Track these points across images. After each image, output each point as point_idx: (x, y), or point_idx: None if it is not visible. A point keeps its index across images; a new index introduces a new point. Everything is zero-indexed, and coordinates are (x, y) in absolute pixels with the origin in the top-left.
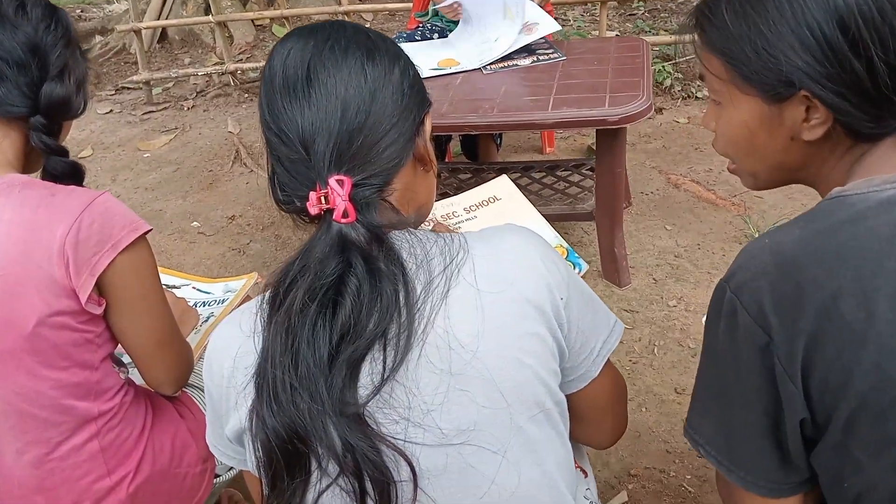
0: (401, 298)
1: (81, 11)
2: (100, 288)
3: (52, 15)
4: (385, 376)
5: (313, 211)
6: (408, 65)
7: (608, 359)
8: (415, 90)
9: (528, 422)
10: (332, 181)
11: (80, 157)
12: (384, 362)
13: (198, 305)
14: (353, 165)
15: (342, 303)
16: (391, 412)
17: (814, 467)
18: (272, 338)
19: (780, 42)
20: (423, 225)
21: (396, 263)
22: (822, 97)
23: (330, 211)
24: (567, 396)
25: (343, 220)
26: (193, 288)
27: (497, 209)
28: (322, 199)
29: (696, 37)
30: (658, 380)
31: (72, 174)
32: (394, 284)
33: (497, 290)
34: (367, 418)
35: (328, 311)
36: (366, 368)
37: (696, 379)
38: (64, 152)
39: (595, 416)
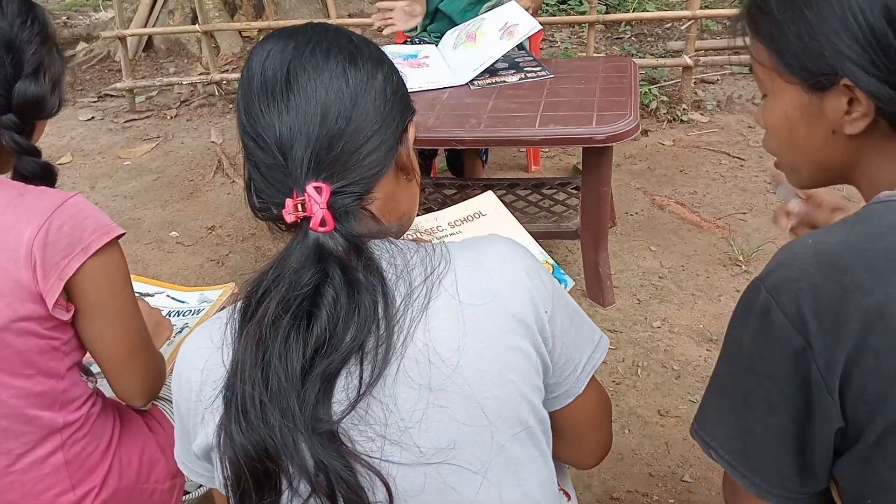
0: (379, 310)
1: (67, 18)
2: (68, 293)
3: (28, 11)
4: (361, 392)
5: (289, 219)
6: (391, 70)
7: (593, 375)
8: (398, 96)
9: (511, 440)
10: (309, 188)
11: (60, 164)
12: (360, 377)
13: (171, 315)
14: (332, 172)
15: (318, 315)
16: (367, 429)
17: (836, 478)
18: (242, 350)
19: (824, 26)
20: (405, 236)
21: (375, 274)
22: (865, 85)
23: (307, 219)
24: (550, 414)
25: (320, 229)
26: (168, 296)
27: (482, 225)
28: (299, 206)
29: (746, 25)
30: (641, 401)
31: (44, 175)
32: (372, 296)
33: (480, 303)
34: (341, 436)
35: (302, 324)
36: (341, 383)
37: (712, 378)
38: (36, 152)
39: (579, 434)
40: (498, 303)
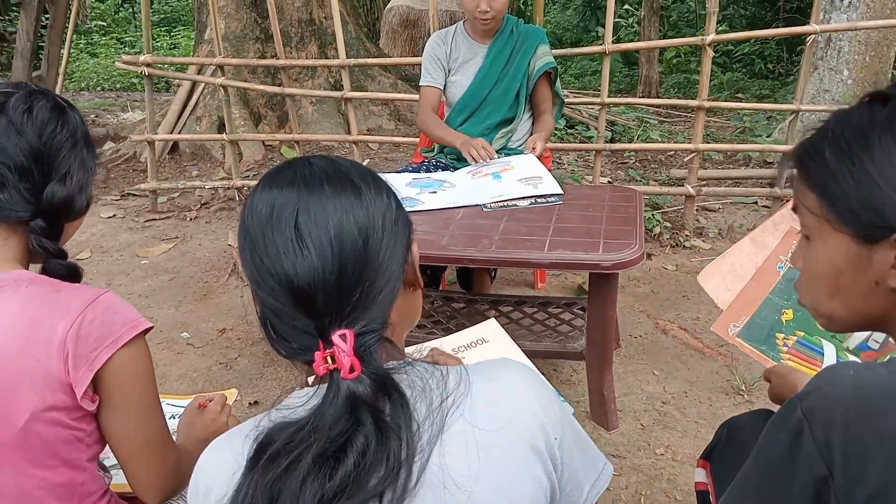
0: (403, 452)
1: (96, 116)
2: (95, 384)
3: (59, 118)
4: None
5: (321, 372)
6: (390, 196)
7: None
8: (400, 222)
9: None
10: (335, 338)
11: (78, 259)
12: None
13: (175, 418)
14: (353, 317)
15: (344, 460)
16: None
17: None
18: (253, 485)
19: (883, 182)
20: (426, 356)
21: (403, 407)
22: None
23: (337, 369)
24: None
25: (350, 376)
26: (167, 403)
27: (485, 351)
28: (328, 358)
29: (795, 171)
30: None
31: (69, 276)
32: (399, 438)
33: (494, 429)
34: None
35: (327, 469)
36: None
37: (741, 473)
38: (63, 255)
39: None
40: (512, 429)
